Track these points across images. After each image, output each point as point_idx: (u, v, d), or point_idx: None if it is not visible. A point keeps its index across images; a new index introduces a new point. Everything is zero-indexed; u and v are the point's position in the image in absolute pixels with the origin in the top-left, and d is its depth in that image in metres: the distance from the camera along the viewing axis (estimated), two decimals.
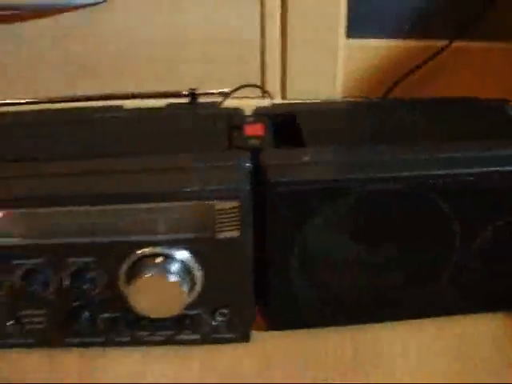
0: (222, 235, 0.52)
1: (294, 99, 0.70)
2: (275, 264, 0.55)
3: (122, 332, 0.57)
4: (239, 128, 0.57)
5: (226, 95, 0.62)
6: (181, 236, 0.52)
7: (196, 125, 0.59)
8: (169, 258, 0.53)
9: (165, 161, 0.53)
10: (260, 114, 0.61)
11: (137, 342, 0.58)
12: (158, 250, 0.53)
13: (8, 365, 0.59)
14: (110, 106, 0.63)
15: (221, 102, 0.63)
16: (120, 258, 0.53)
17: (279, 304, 0.58)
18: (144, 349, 0.59)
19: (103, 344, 0.58)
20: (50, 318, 0.57)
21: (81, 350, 0.59)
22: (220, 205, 0.50)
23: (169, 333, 0.58)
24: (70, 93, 0.67)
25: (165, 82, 0.66)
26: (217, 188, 0.50)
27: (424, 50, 0.71)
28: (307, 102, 0.63)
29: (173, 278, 0.52)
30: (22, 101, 0.64)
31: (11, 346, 0.59)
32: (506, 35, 0.72)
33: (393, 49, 0.73)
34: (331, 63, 0.71)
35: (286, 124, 0.60)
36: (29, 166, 0.54)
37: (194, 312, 0.56)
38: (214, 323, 0.57)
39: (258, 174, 0.52)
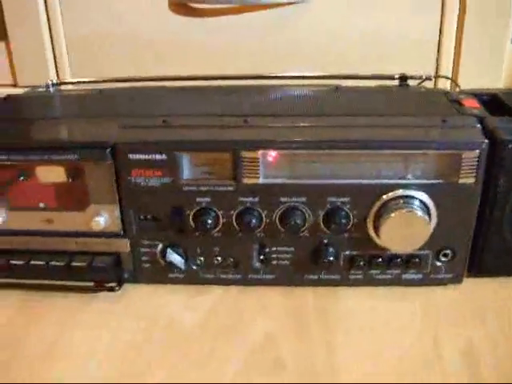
0: (462, 180, 0.61)
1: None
2: (494, 211, 0.64)
3: (358, 269, 0.66)
4: (458, 102, 0.68)
5: (425, 80, 0.74)
6: (425, 181, 0.62)
7: (422, 99, 0.70)
8: (414, 199, 0.62)
9: (416, 120, 0.63)
10: (465, 93, 0.72)
11: (367, 280, 0.67)
12: (405, 192, 0.62)
13: (250, 298, 0.67)
14: (330, 85, 0.74)
15: (419, 84, 0.74)
16: (372, 199, 0.62)
17: (490, 250, 0.67)
18: (368, 289, 0.67)
19: (338, 281, 0.67)
20: (296, 254, 0.66)
21: (313, 288, 0.68)
22: (466, 154, 0.60)
23: (397, 271, 0.66)
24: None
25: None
26: (465, 140, 0.61)
27: None
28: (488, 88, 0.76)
29: (421, 214, 0.61)
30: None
31: (254, 283, 0.67)
32: None
33: None
34: (498, 64, 0.84)
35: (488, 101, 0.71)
36: (289, 119, 0.64)
37: (423, 252, 0.65)
38: (437, 263, 0.66)
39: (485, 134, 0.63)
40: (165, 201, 0.63)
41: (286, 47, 0.84)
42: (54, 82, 0.76)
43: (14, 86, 0.91)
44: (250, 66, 0.83)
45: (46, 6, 0.85)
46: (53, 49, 0.88)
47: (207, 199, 0.63)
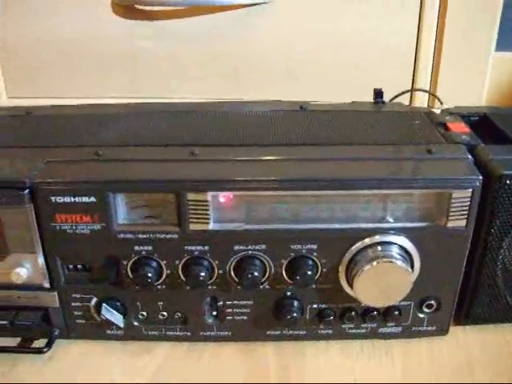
0: (451, 224, 0.52)
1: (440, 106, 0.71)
2: (486, 256, 0.55)
3: (327, 324, 0.56)
4: (443, 125, 0.58)
5: (401, 94, 0.64)
6: (408, 224, 0.52)
7: (401, 121, 0.60)
8: (393, 246, 0.52)
9: (397, 151, 0.54)
10: (450, 113, 0.62)
11: (338, 335, 0.57)
12: (383, 238, 0.52)
13: (201, 358, 0.57)
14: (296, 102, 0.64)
15: (393, 99, 0.64)
16: (344, 246, 0.52)
17: (481, 299, 0.57)
18: (340, 344, 0.58)
19: (304, 337, 0.57)
20: (255, 309, 0.56)
21: (275, 344, 0.58)
22: (457, 193, 0.51)
23: (373, 325, 0.57)
24: (223, 91, 0.67)
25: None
26: (456, 177, 0.51)
27: None
28: (475, 106, 0.65)
29: (402, 264, 0.52)
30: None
31: (208, 339, 0.57)
32: None
33: None
34: (481, 74, 0.74)
35: (477, 123, 0.61)
36: (246, 150, 0.54)
37: (404, 303, 0.56)
38: (419, 315, 0.57)
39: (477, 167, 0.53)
40: (97, 249, 0.53)
41: (245, 54, 0.73)
42: None
43: None
44: (202, 76, 0.72)
45: None
46: None
47: (148, 248, 0.53)
